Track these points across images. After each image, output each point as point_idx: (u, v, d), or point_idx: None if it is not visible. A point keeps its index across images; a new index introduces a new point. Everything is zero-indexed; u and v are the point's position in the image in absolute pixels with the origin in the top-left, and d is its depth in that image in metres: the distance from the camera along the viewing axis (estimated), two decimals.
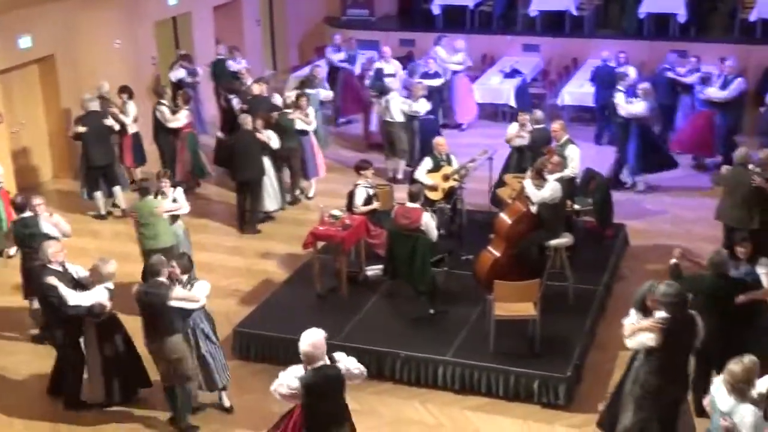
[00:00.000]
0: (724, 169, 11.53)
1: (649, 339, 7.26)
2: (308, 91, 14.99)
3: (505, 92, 17.60)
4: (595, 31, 20.36)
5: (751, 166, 10.81)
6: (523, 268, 9.87)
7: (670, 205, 13.77)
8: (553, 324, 9.57)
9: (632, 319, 7.54)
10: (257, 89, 14.61)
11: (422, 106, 14.61)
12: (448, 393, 9.28)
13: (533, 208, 10.07)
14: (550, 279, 10.37)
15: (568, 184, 11.19)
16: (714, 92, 14.58)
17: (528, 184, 10.16)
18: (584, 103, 16.88)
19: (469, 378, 9.22)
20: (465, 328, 9.83)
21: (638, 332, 7.34)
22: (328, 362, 6.82)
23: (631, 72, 15.57)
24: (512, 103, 17.48)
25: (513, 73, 18.26)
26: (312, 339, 6.75)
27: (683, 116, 15.50)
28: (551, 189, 10.05)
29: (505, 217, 10.12)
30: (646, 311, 7.54)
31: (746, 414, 6.40)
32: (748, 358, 6.49)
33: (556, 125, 11.91)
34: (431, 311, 10.09)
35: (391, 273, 10.35)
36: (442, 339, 9.61)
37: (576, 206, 11.66)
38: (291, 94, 14.62)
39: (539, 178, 10.17)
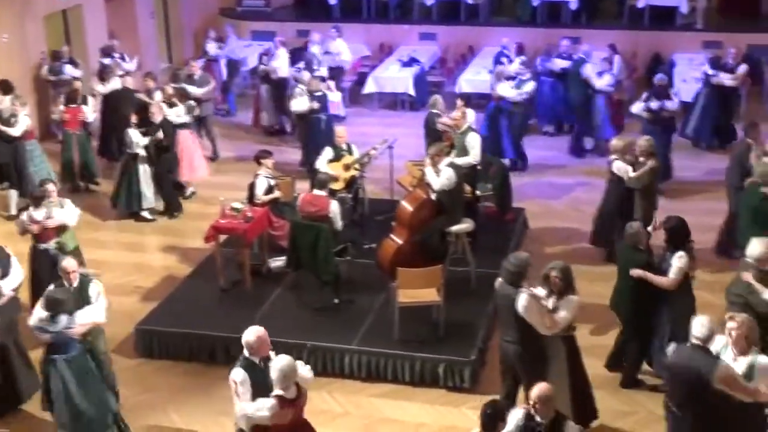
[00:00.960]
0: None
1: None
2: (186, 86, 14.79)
3: (404, 81, 17.70)
4: (491, 19, 20.65)
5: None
6: (425, 254, 9.96)
7: (565, 187, 14.06)
8: (456, 309, 9.70)
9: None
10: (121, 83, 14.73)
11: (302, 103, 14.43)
12: (354, 381, 9.31)
13: (434, 195, 10.17)
14: (452, 264, 10.50)
15: (469, 171, 11.36)
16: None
17: (429, 171, 10.25)
18: (481, 90, 17.10)
19: (375, 366, 9.27)
20: (370, 317, 9.88)
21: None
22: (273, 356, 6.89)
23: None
24: (411, 91, 17.63)
25: (411, 61, 18.39)
26: (257, 332, 6.94)
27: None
28: (447, 175, 10.14)
29: (406, 205, 10.19)
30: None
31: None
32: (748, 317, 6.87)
33: (457, 113, 12.02)
34: (336, 301, 10.10)
35: (295, 264, 10.32)
36: (348, 328, 9.63)
37: (477, 192, 11.81)
38: (167, 88, 14.33)
39: (438, 165, 10.26)
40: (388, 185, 12.68)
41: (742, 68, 15.68)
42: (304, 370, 7.00)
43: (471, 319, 9.76)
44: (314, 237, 9.92)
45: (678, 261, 8.41)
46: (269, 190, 11.11)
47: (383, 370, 9.27)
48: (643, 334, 8.79)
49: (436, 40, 20.18)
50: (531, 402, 6.44)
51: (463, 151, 11.50)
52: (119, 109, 14.48)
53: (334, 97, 16.23)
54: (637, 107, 13.71)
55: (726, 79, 15.44)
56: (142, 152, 12.85)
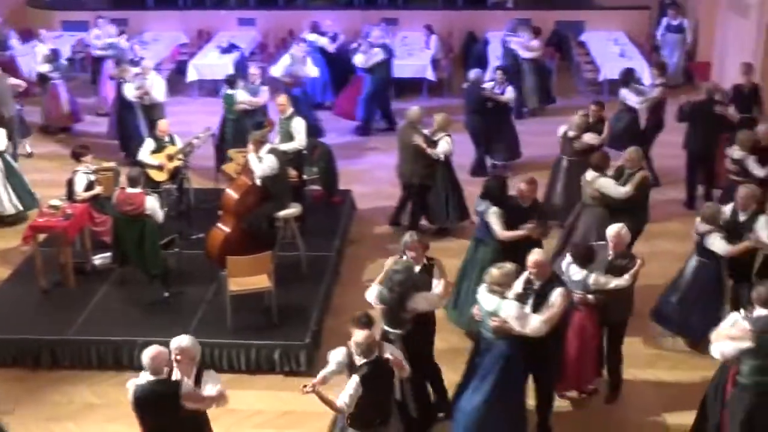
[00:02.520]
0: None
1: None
2: None
3: (224, 68, 17.45)
4: (308, 3, 20.68)
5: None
6: (254, 241, 9.90)
7: (389, 167, 14.21)
8: (289, 294, 9.72)
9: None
10: None
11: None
12: None
13: (258, 181, 10.13)
14: (282, 250, 10.50)
15: (295, 155, 11.39)
16: (360, 60, 15.44)
17: (252, 157, 10.18)
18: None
19: (210, 356, 9.14)
20: (201, 308, 9.76)
21: None
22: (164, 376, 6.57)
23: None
24: None
25: (230, 47, 18.19)
26: (151, 351, 6.54)
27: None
28: (269, 161, 10.12)
29: (231, 193, 10.10)
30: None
31: (509, 308, 7.24)
32: (510, 264, 7.42)
33: (281, 99, 11.96)
34: (166, 294, 9.91)
35: (120, 260, 10.06)
36: (180, 321, 9.45)
37: (303, 176, 11.84)
38: None
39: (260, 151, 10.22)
40: (213, 174, 12.53)
41: (535, 42, 16.32)
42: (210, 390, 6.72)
43: (304, 302, 9.80)
44: (139, 230, 9.70)
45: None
46: (89, 186, 10.76)
47: (218, 360, 9.17)
48: None
49: (256, 25, 20.03)
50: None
51: (288, 137, 11.51)
52: None
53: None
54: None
55: (524, 51, 16.13)
56: None
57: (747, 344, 6.81)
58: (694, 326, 9.07)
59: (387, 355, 6.80)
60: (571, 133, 11.51)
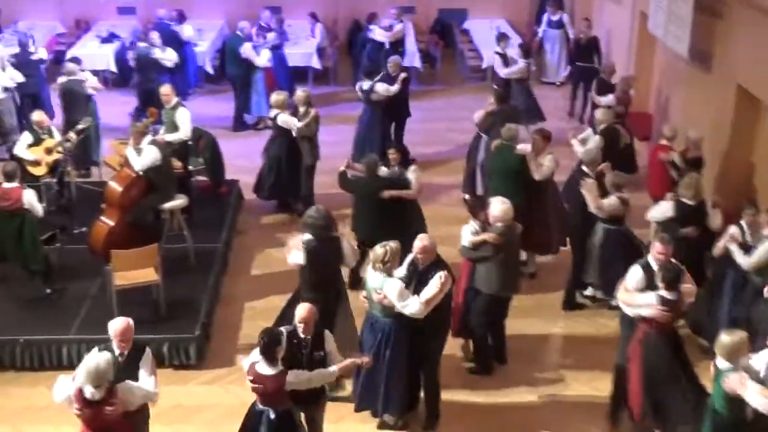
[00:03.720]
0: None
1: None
2: None
3: (104, 58, 17.08)
4: None
5: None
6: (140, 234, 9.76)
7: None
8: (177, 286, 9.61)
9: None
10: None
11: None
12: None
13: (142, 173, 9.94)
14: (169, 242, 10.37)
15: (180, 146, 11.23)
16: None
17: (130, 151, 9.99)
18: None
19: None
20: (86, 303, 9.53)
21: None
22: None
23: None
24: (113, 68, 17.08)
25: (110, 37, 17.78)
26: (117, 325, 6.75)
27: None
28: (149, 154, 9.95)
29: (115, 185, 9.90)
30: None
31: (392, 286, 7.48)
32: (394, 243, 7.65)
33: (165, 89, 11.72)
34: (48, 291, 9.65)
35: None
36: (63, 317, 9.25)
37: (189, 167, 11.67)
38: None
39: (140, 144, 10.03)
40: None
41: (397, 26, 16.54)
42: (147, 383, 6.66)
43: (192, 294, 9.70)
44: (18, 226, 9.39)
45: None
46: None
47: None
48: None
49: (136, 14, 19.57)
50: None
51: (173, 127, 11.33)
52: None
53: None
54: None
55: (381, 36, 16.36)
56: None
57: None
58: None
59: None
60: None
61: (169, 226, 10.54)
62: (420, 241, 7.78)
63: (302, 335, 6.94)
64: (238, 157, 13.42)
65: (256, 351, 6.72)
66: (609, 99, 13.05)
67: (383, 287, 7.52)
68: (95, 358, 6.39)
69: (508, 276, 8.61)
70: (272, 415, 6.70)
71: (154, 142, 10.08)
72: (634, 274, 7.67)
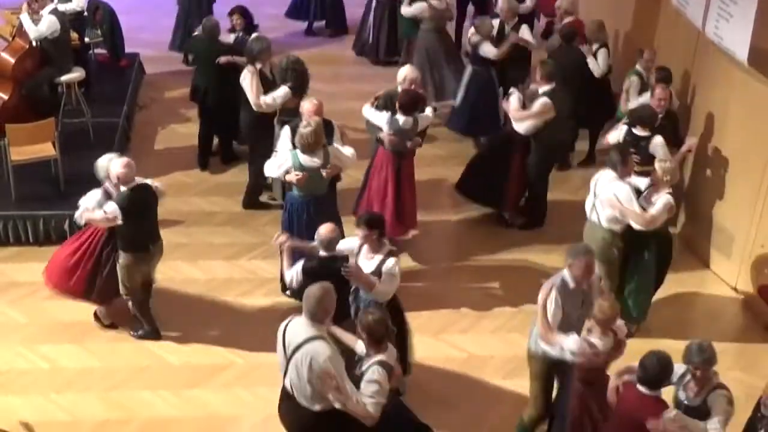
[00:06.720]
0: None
1: None
2: None
3: None
4: None
5: None
6: (35, 107, 9.51)
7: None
8: (77, 162, 9.30)
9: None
10: None
11: None
12: None
13: (35, 44, 9.58)
14: (67, 116, 10.13)
15: (76, 17, 10.77)
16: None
17: (25, 18, 9.57)
18: None
19: None
20: None
21: None
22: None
23: None
24: None
25: None
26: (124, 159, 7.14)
27: None
28: (47, 22, 9.56)
29: (7, 56, 9.59)
30: None
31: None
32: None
33: None
34: None
35: None
36: None
37: (86, 39, 11.26)
38: None
39: (37, 11, 9.62)
40: None
41: None
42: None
43: (93, 170, 9.46)
44: None
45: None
46: None
47: (4, 234, 8.85)
48: None
49: None
50: None
51: None
52: None
53: None
54: None
55: None
56: None
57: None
58: (479, 124, 10.48)
59: None
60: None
61: (66, 100, 10.23)
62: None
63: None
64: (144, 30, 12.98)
65: None
66: None
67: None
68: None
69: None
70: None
71: (55, 11, 9.68)
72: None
